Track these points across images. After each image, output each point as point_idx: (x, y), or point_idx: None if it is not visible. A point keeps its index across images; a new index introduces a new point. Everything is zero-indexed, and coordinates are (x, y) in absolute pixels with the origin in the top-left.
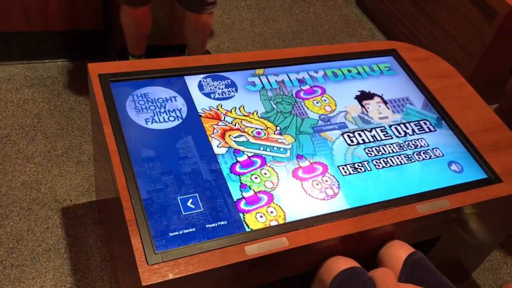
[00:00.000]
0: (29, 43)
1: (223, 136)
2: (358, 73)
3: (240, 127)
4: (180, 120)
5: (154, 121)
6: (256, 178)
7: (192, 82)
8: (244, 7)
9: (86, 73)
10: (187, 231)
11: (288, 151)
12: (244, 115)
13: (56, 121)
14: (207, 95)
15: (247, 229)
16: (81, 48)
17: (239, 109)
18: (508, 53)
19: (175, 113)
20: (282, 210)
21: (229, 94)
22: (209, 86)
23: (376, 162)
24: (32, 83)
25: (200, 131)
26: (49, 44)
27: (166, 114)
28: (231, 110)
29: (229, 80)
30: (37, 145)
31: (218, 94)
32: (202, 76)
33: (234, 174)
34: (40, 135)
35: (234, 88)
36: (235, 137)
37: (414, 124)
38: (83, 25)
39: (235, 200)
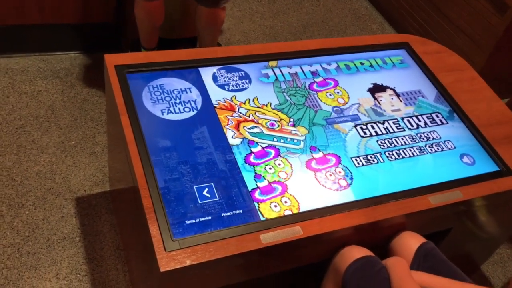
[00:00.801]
0: (42, 36)
1: (237, 127)
2: (371, 65)
3: (254, 118)
4: (195, 111)
5: (170, 111)
6: (270, 168)
7: (206, 73)
8: (255, 0)
9: (98, 65)
10: (203, 219)
11: (302, 143)
12: (258, 107)
13: (69, 113)
14: (221, 86)
15: (262, 218)
16: (93, 41)
17: (253, 100)
18: None
19: (190, 104)
20: (296, 200)
21: (243, 86)
22: (223, 78)
23: (389, 154)
24: (45, 75)
25: (215, 122)
26: (62, 36)
27: (182, 105)
28: (245, 101)
29: (242, 72)
30: (51, 136)
31: (232, 85)
32: (216, 68)
33: (249, 164)
34: (54, 126)
35: (247, 80)
36: (249, 128)
37: (426, 117)
38: (96, 17)
39: (249, 189)
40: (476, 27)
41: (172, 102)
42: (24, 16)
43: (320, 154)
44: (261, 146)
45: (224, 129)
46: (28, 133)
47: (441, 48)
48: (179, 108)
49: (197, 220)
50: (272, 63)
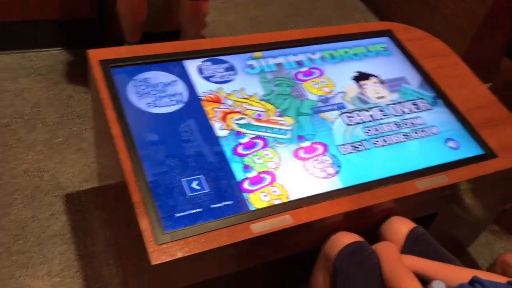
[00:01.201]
0: (23, 32)
1: (224, 119)
2: (355, 54)
3: (241, 109)
4: (182, 104)
5: (155, 105)
6: (258, 159)
7: (191, 66)
8: None
9: (82, 61)
10: (193, 211)
11: (289, 132)
12: (245, 98)
13: (55, 110)
14: (207, 78)
15: (252, 208)
16: (76, 37)
17: (239, 92)
18: (500, 33)
19: (176, 97)
20: (285, 189)
21: (228, 78)
22: (209, 70)
23: (375, 141)
24: (28, 72)
25: (202, 114)
26: (45, 33)
27: (168, 99)
28: (231, 93)
29: (228, 64)
30: (37, 133)
31: (218, 77)
32: (201, 60)
33: (237, 155)
34: (40, 123)
35: (233, 72)
36: (236, 120)
37: (411, 103)
38: (78, 13)
39: (239, 180)
40: (458, 13)
41: (157, 96)
42: (5, 12)
43: (307, 143)
44: (249, 137)
45: (211, 121)
46: (13, 131)
47: (424, 34)
48: (165, 102)
49: (187, 212)
50: (257, 54)
